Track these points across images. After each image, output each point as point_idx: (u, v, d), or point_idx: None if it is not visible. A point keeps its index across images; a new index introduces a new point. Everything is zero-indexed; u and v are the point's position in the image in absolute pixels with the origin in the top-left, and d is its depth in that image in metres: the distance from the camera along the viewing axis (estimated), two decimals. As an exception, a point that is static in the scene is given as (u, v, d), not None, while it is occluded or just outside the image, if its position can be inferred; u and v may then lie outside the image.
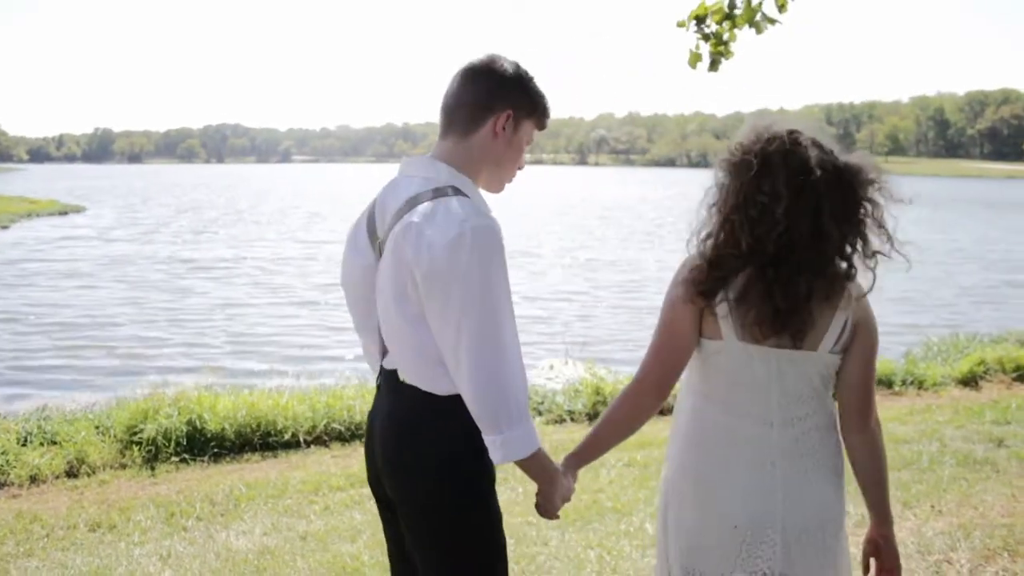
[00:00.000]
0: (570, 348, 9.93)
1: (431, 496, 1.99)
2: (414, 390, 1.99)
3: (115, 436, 6.35)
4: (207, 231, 30.31)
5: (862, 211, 1.92)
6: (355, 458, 6.13)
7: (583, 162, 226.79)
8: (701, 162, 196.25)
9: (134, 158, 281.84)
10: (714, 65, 4.99)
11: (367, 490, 5.18)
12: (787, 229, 1.86)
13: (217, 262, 21.14)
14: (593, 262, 22.12)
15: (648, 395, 2.10)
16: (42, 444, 6.25)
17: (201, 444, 6.27)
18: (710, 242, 1.97)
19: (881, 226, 1.94)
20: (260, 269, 20.17)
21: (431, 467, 1.98)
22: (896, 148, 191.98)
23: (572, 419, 7.14)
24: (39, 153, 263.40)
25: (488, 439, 1.91)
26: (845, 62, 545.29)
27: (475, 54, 2.08)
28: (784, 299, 1.87)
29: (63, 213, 39.69)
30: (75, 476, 5.85)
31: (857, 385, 2.00)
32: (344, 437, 6.54)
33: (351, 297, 2.16)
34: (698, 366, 2.06)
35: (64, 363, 10.76)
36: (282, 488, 5.33)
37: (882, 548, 2.08)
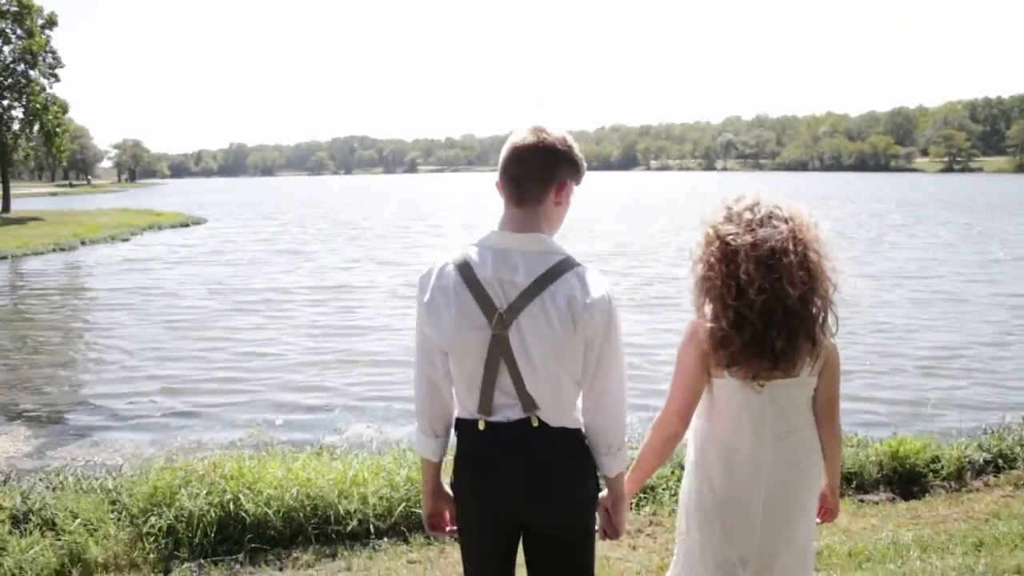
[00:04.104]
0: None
1: (587, 507, 2.46)
2: (560, 430, 2.37)
3: (129, 516, 4.82)
4: (309, 251, 27.21)
5: (815, 266, 2.39)
6: (439, 567, 4.35)
7: (710, 167, 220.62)
8: (834, 165, 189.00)
9: (266, 171, 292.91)
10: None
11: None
12: (764, 303, 2.34)
13: (304, 288, 18.43)
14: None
15: (672, 423, 2.60)
16: (40, 526, 4.78)
17: (236, 535, 4.66)
18: (710, 325, 2.43)
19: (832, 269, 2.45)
20: (353, 298, 17.13)
21: (589, 485, 2.46)
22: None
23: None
24: (179, 168, 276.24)
25: (607, 456, 2.41)
26: (991, 54, 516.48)
27: (532, 122, 2.39)
28: (776, 357, 2.39)
29: (184, 225, 39.85)
30: (65, 579, 4.34)
31: (828, 397, 2.57)
32: (429, 527, 4.77)
33: (463, 364, 2.36)
34: (706, 394, 2.60)
35: (109, 402, 9.38)
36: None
37: (827, 496, 2.74)
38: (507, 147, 2.39)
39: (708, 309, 2.45)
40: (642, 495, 5.15)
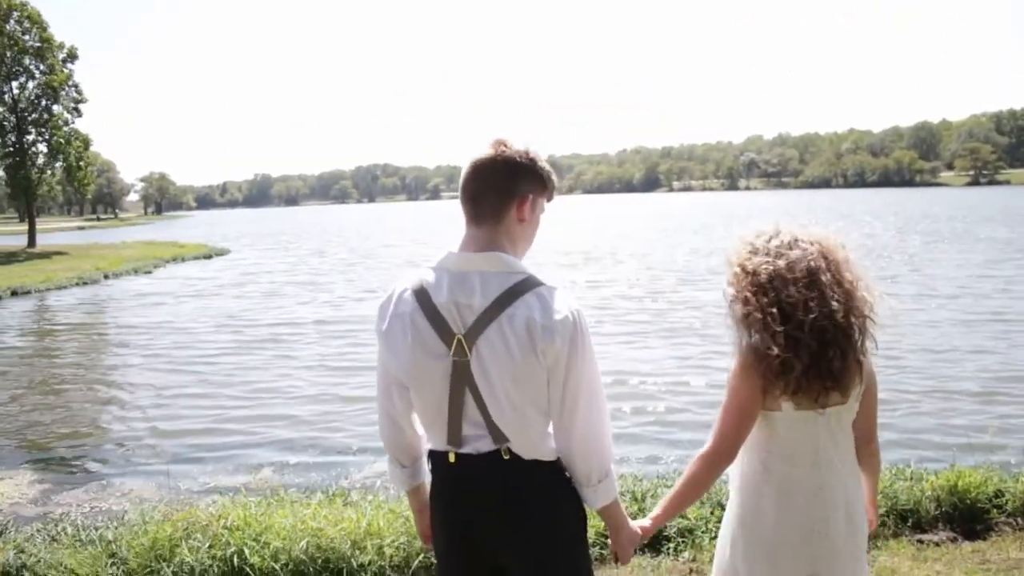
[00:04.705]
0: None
1: (568, 544, 2.28)
2: (533, 462, 2.20)
3: (127, 572, 4.50)
4: (326, 282, 26.22)
5: (850, 285, 2.35)
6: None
7: (733, 187, 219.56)
8: (858, 181, 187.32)
9: (291, 201, 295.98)
10: None
11: None
12: (814, 321, 2.28)
13: (314, 322, 17.51)
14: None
15: (722, 457, 2.46)
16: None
17: (241, 591, 4.28)
18: (765, 355, 2.30)
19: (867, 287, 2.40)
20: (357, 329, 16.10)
21: (570, 521, 2.28)
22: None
23: None
24: (205, 200, 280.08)
25: (589, 488, 2.24)
26: (1014, 66, 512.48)
27: (493, 137, 2.26)
28: (835, 376, 2.32)
29: (207, 256, 39.77)
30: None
31: (868, 418, 2.53)
32: None
33: (425, 395, 2.23)
34: (758, 427, 2.45)
35: (115, 444, 9.01)
36: None
37: (869, 512, 2.62)
38: (466, 163, 2.27)
39: (757, 339, 2.35)
40: (680, 539, 4.75)
